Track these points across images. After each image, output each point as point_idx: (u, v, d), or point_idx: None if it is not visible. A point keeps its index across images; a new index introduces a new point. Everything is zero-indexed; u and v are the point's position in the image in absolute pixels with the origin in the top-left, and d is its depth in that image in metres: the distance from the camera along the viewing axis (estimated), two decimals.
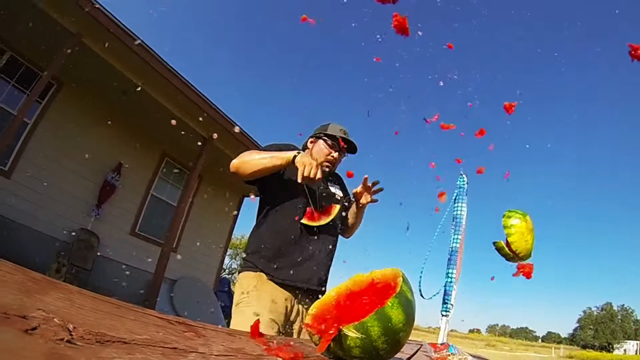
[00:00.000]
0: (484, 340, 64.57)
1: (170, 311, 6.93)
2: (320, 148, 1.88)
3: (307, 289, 1.71)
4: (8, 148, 5.18)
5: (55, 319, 0.44)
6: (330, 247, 1.82)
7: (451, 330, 3.48)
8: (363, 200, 1.90)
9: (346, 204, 1.99)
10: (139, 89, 5.67)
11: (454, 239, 3.49)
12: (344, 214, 1.97)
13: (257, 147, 7.28)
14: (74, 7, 4.60)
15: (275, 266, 1.68)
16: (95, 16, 4.74)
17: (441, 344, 2.39)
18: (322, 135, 1.91)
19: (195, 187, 7.60)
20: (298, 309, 1.73)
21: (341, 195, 1.98)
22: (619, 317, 68.19)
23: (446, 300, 3.35)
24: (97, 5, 4.75)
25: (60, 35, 4.88)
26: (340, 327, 0.74)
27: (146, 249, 7.29)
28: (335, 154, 1.87)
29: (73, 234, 6.15)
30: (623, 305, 69.46)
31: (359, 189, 1.91)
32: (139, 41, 5.20)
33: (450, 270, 3.37)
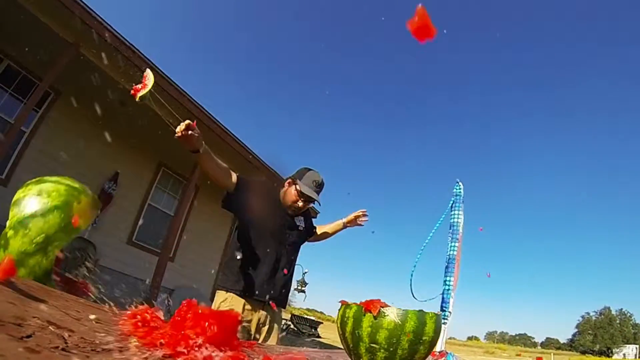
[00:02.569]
0: (483, 348, 64.18)
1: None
2: (291, 193, 2.24)
3: (272, 301, 2.15)
4: (5, 156, 5.17)
5: (50, 327, 0.44)
6: (290, 269, 2.29)
7: (449, 338, 3.47)
8: (351, 225, 2.59)
9: (305, 237, 2.46)
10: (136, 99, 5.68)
11: (451, 246, 3.49)
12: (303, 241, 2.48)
13: (253, 156, 7.17)
14: (71, 16, 4.62)
15: (244, 285, 2.10)
16: (93, 26, 4.76)
17: (439, 352, 2.38)
18: (297, 182, 2.23)
19: (192, 196, 7.59)
20: (266, 315, 2.16)
21: (303, 226, 2.40)
22: (618, 321, 68.01)
23: (444, 308, 3.34)
24: (95, 15, 4.78)
25: (58, 44, 4.90)
26: (383, 305, 0.78)
27: (143, 258, 7.25)
28: (301, 204, 2.24)
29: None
30: (621, 309, 69.34)
31: (352, 216, 2.56)
32: (136, 51, 5.22)
33: (447, 278, 3.37)
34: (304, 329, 17.49)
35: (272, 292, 2.15)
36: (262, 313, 2.15)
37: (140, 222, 7.46)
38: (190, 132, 1.79)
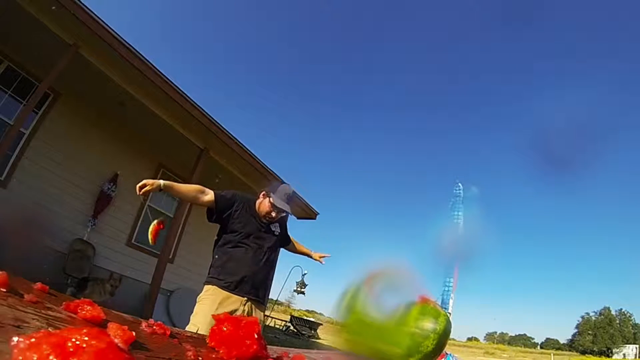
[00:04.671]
0: (483, 349, 64.11)
1: (167, 322, 6.87)
2: (265, 204, 2.58)
3: (251, 296, 2.46)
4: (4, 158, 5.17)
5: (49, 329, 0.44)
6: (269, 270, 2.61)
7: (449, 339, 3.46)
8: (315, 259, 3.06)
9: (281, 242, 2.79)
10: (135, 99, 5.71)
11: None
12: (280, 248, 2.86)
13: (253, 158, 7.14)
14: (70, 18, 4.62)
15: (227, 282, 2.41)
16: (92, 27, 4.76)
17: None
18: (271, 195, 2.57)
19: None
20: (247, 312, 2.42)
21: (279, 231, 2.71)
22: (618, 321, 67.92)
23: (444, 309, 3.34)
24: (94, 17, 4.78)
25: (57, 46, 4.89)
26: (430, 300, 0.83)
27: (142, 259, 7.25)
28: (274, 214, 2.57)
29: (69, 244, 6.12)
30: (621, 309, 69.16)
31: (318, 255, 3.04)
32: (135, 53, 5.22)
33: (447, 280, 3.37)
34: (303, 331, 17.48)
35: (251, 289, 2.45)
36: (243, 308, 2.41)
37: (140, 223, 7.45)
38: (143, 189, 2.23)
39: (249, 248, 2.50)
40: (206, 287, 2.44)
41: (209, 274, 2.51)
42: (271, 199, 2.55)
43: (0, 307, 0.46)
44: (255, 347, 0.68)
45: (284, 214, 2.68)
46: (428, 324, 0.81)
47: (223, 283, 2.40)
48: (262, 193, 2.65)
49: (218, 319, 0.74)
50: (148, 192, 2.26)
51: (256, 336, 0.70)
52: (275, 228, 2.69)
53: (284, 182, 2.72)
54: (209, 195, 2.49)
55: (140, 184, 2.23)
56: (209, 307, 2.31)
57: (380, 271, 0.90)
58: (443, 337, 0.83)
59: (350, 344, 0.86)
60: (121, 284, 5.73)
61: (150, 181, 2.24)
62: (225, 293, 2.38)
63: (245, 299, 2.43)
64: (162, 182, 2.30)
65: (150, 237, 2.52)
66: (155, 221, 2.55)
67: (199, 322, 2.25)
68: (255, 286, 2.47)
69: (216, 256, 2.55)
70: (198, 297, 2.44)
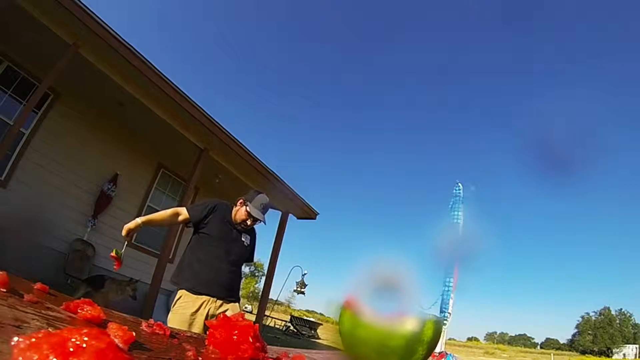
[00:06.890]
0: (482, 348, 64.12)
1: (167, 322, 6.85)
2: (242, 212, 2.70)
3: (222, 296, 2.58)
4: (4, 158, 5.16)
5: (49, 329, 0.44)
6: (236, 272, 2.73)
7: (449, 339, 3.46)
8: None
9: (249, 253, 2.87)
10: (135, 99, 5.70)
11: None
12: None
13: (253, 158, 7.09)
14: (70, 18, 4.62)
15: (197, 287, 2.52)
16: (92, 27, 4.76)
17: (439, 353, 2.38)
18: (247, 204, 2.69)
19: (191, 198, 7.58)
20: (219, 305, 2.54)
21: (248, 243, 2.81)
22: (618, 321, 67.88)
23: (443, 309, 3.34)
24: (94, 16, 4.77)
25: (57, 46, 4.89)
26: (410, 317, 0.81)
27: (142, 259, 7.25)
28: (249, 222, 2.71)
29: (69, 244, 6.12)
30: (621, 309, 69.12)
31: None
32: (135, 53, 5.22)
33: (447, 279, 3.37)
34: (303, 331, 17.48)
35: (219, 290, 2.57)
36: (215, 304, 2.54)
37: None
38: (129, 232, 2.53)
39: (220, 251, 2.62)
40: (179, 292, 2.56)
41: (178, 272, 2.62)
42: (248, 207, 2.68)
43: (0, 307, 0.46)
44: (250, 352, 0.68)
45: (259, 223, 2.83)
46: (414, 335, 0.80)
47: (193, 288, 2.52)
48: (239, 201, 2.79)
49: (212, 325, 0.73)
50: (133, 232, 2.52)
51: (251, 340, 0.69)
52: (246, 239, 2.81)
53: (261, 192, 2.83)
54: (183, 215, 2.65)
55: (124, 232, 2.50)
56: (179, 321, 2.44)
57: (373, 276, 0.89)
58: (431, 342, 0.82)
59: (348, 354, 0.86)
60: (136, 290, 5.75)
61: (130, 225, 2.49)
62: (193, 297, 2.51)
63: (215, 299, 2.55)
64: (139, 220, 2.53)
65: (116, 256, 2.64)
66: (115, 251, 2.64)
67: None
68: (224, 287, 2.60)
69: (186, 256, 2.67)
70: (172, 304, 2.56)
